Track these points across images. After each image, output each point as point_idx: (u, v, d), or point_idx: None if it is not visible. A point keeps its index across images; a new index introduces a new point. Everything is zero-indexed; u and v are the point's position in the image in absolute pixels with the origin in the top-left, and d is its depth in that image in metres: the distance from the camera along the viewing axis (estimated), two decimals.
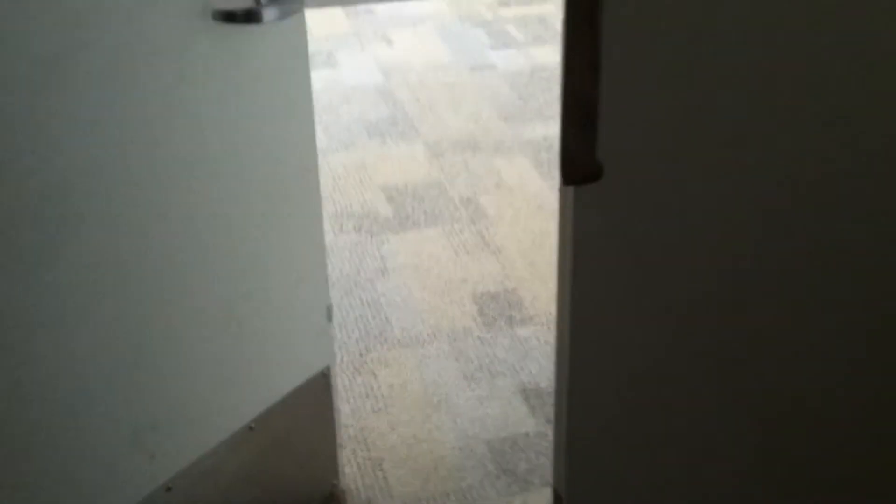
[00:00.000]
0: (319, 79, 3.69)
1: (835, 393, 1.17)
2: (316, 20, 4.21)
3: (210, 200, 1.39)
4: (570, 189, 1.01)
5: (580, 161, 0.95)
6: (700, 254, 1.08)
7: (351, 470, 1.94)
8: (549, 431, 2.03)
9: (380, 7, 4.53)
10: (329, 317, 1.68)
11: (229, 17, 1.28)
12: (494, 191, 2.99)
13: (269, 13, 1.29)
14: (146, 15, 1.22)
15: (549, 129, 3.36)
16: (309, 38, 1.49)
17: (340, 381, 2.16)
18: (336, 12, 4.43)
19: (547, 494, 1.88)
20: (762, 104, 0.99)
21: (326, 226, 2.74)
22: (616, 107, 0.95)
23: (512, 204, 2.92)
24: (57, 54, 1.13)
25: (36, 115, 1.13)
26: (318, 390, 1.70)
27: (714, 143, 1.00)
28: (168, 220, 1.34)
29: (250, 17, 1.28)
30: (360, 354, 2.28)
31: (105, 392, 1.30)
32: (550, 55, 3.95)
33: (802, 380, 1.16)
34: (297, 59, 1.46)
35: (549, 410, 2.09)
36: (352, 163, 3.17)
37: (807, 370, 1.15)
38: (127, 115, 1.23)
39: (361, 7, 4.52)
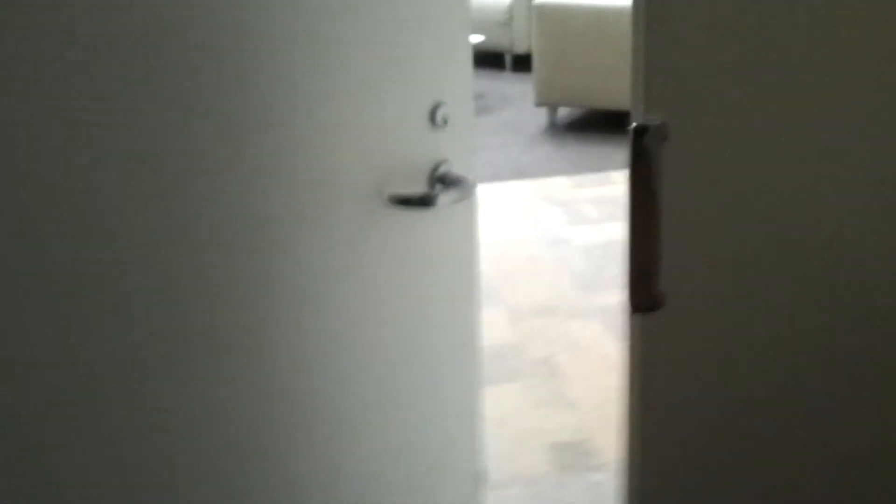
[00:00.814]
0: None
1: None
2: None
3: (374, 375, 1.45)
4: (637, 318, 1.24)
5: (645, 292, 1.18)
6: (758, 377, 1.17)
7: None
8: None
9: None
10: (477, 484, 1.66)
11: (405, 201, 1.34)
12: (569, 351, 3.22)
13: (442, 199, 1.31)
14: (327, 195, 1.32)
15: (620, 297, 3.60)
16: None
17: None
18: None
19: None
20: (799, 233, 1.11)
21: None
22: (674, 247, 1.18)
23: (586, 363, 3.13)
24: (241, 228, 1.28)
25: (232, 283, 1.30)
26: None
27: (763, 283, 1.16)
28: (332, 396, 1.42)
29: (425, 202, 1.32)
30: None
31: None
32: (622, 231, 4.25)
33: None
34: (466, 241, 1.48)
35: None
36: None
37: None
38: (300, 285, 1.34)
39: None
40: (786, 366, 1.19)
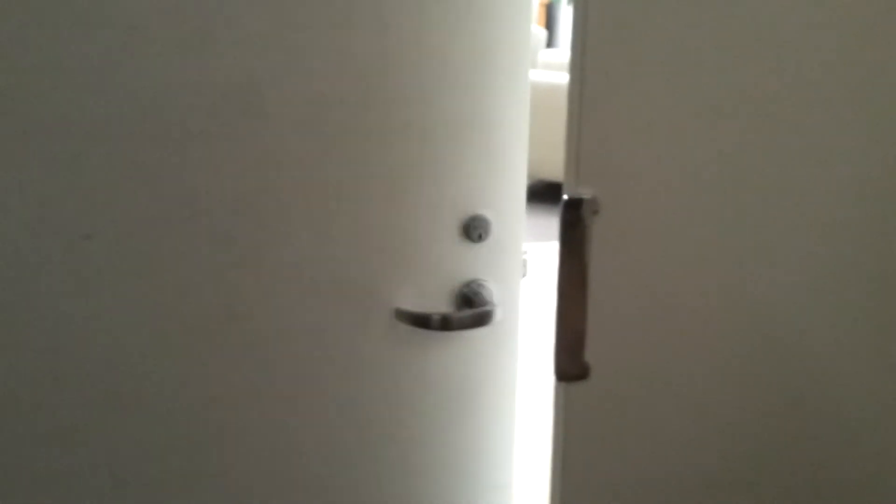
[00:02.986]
0: None
1: None
2: None
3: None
4: (562, 387, 1.24)
5: (571, 361, 1.19)
6: (678, 444, 1.19)
7: None
8: None
9: None
10: None
11: (421, 322, 1.17)
12: None
13: (464, 323, 1.16)
14: (332, 307, 1.18)
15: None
16: None
17: None
18: None
19: None
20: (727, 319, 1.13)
21: None
22: (602, 319, 1.16)
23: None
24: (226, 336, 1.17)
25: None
26: None
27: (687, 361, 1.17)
28: None
29: (444, 324, 1.15)
30: None
31: None
32: None
33: None
34: (503, 368, 1.29)
35: None
36: None
37: None
38: (299, 400, 1.22)
39: None
40: (707, 443, 1.19)
